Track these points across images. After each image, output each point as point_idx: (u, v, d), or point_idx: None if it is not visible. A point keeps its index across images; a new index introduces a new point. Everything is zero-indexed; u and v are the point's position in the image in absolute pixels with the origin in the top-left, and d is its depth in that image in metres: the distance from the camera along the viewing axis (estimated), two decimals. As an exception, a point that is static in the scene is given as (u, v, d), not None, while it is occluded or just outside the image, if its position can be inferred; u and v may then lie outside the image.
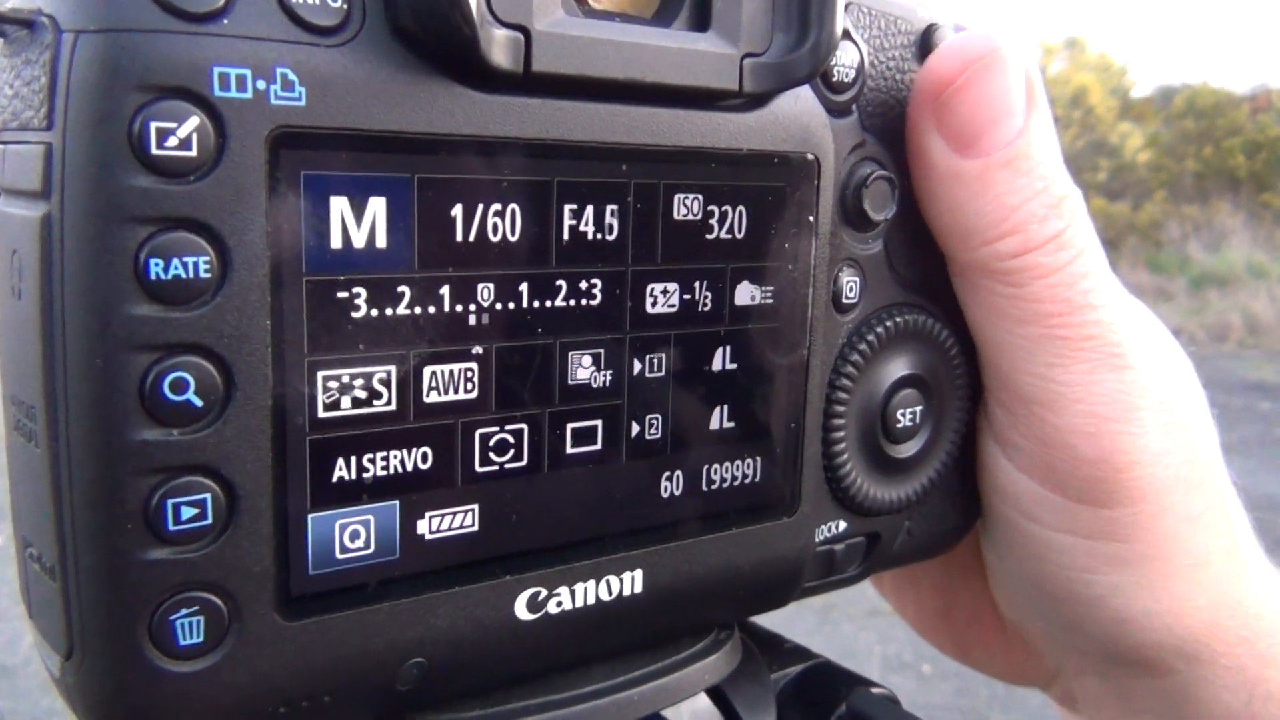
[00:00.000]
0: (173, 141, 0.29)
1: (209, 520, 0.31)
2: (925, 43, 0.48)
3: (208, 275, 0.30)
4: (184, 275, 0.30)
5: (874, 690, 0.47)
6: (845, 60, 0.44)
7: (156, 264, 0.29)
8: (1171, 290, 10.54)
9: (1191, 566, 0.51)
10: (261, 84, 0.30)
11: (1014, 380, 0.49)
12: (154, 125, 0.29)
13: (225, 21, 0.30)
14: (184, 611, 0.31)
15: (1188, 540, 0.50)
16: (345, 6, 0.32)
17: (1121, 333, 0.48)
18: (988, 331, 0.49)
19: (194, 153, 0.29)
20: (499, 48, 0.33)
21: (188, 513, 0.31)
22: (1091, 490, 0.49)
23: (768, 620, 0.53)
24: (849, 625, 3.85)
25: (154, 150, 0.29)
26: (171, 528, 0.31)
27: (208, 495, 0.31)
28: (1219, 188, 12.96)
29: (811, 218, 0.43)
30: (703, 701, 0.46)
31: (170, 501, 0.31)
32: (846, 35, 0.44)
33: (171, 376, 0.30)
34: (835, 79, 0.44)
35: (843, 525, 0.49)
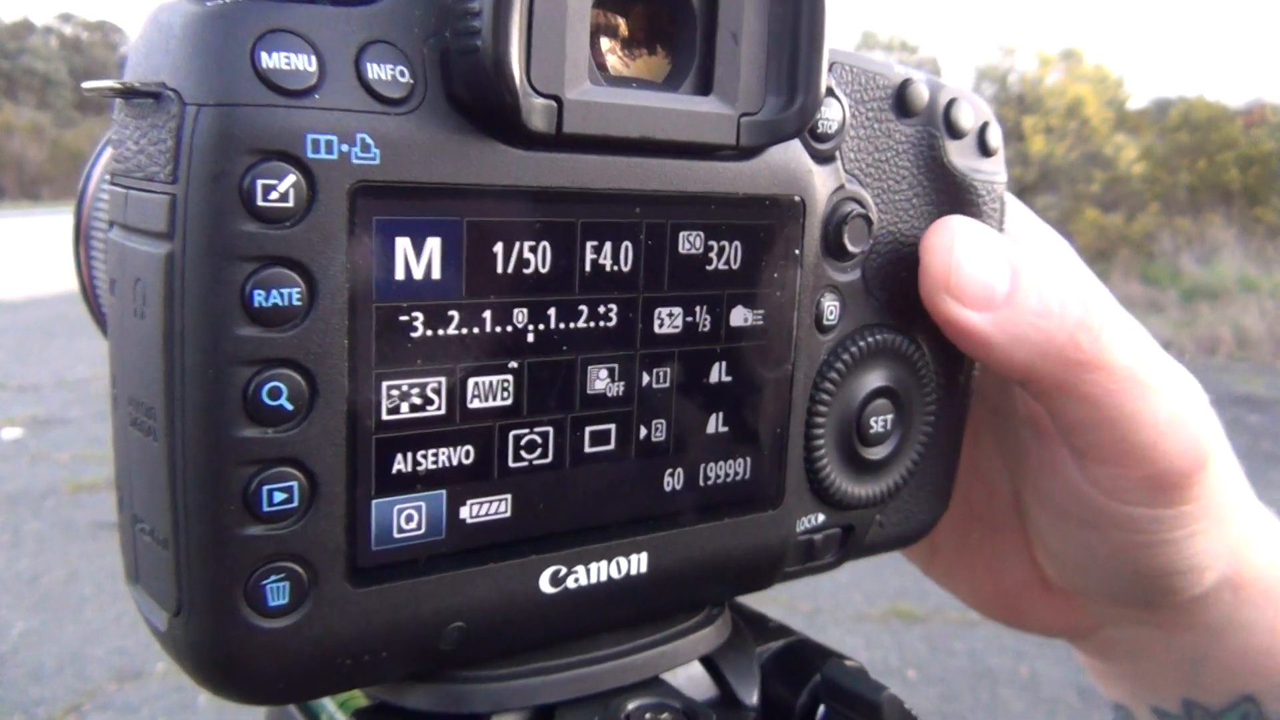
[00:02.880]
0: (274, 195, 0.35)
1: (295, 503, 0.38)
2: (901, 96, 0.55)
3: (299, 303, 0.37)
4: (280, 303, 0.36)
5: (846, 662, 0.54)
6: (829, 114, 0.50)
7: (259, 294, 0.36)
8: (1163, 302, 10.58)
9: (1242, 505, 0.58)
10: (345, 147, 0.37)
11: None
12: (260, 182, 0.35)
13: (316, 96, 0.36)
14: (273, 577, 0.38)
15: (1238, 482, 0.58)
16: (412, 81, 0.38)
17: (1148, 366, 0.54)
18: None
19: (291, 204, 0.36)
20: (537, 115, 0.39)
21: (279, 497, 0.37)
22: (1162, 480, 0.55)
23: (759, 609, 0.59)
24: (835, 630, 3.89)
25: (259, 202, 0.35)
26: (265, 509, 0.37)
27: (295, 483, 0.38)
28: (1212, 201, 12.98)
29: (797, 251, 0.49)
30: (696, 668, 0.53)
31: (265, 487, 0.37)
32: (830, 92, 0.50)
33: (269, 385, 0.36)
34: (820, 130, 0.50)
35: (821, 518, 0.55)
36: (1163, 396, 0.53)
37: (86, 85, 0.40)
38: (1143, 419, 0.53)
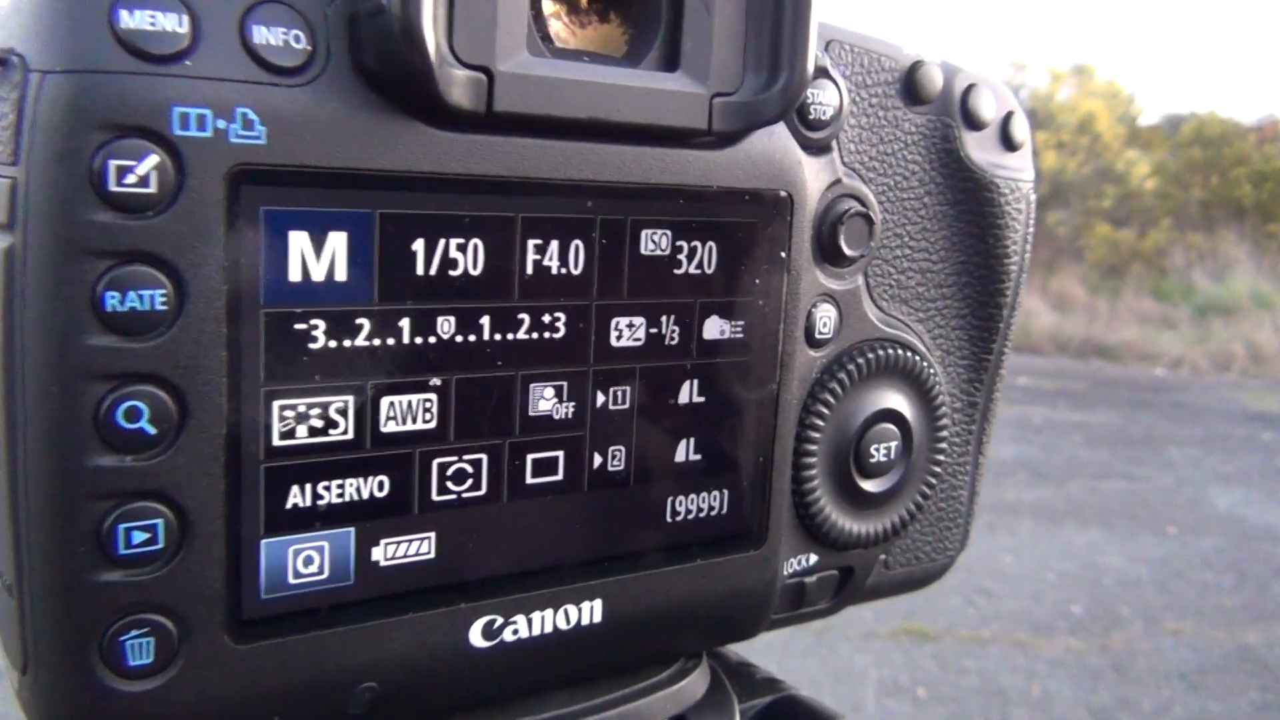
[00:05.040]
0: (131, 179, 0.30)
1: (160, 544, 0.32)
2: (910, 80, 0.49)
3: (164, 308, 0.31)
4: (140, 307, 0.30)
5: (838, 726, 0.48)
6: (822, 98, 0.45)
7: (113, 296, 0.30)
8: (1175, 318, 10.53)
9: None
10: (222, 123, 0.31)
11: None
12: (113, 163, 0.29)
13: (188, 63, 0.30)
14: (134, 633, 0.32)
15: None
16: (309, 48, 0.32)
17: None
18: None
19: (152, 189, 0.30)
20: (459, 88, 0.33)
21: (139, 537, 0.32)
22: None
23: (762, 641, 0.53)
24: (845, 648, 3.84)
25: (113, 187, 0.29)
26: (123, 551, 0.31)
27: (159, 520, 0.32)
28: (1224, 217, 12.94)
29: (784, 253, 0.43)
30: None
31: (122, 526, 0.31)
32: (825, 73, 0.45)
33: (126, 405, 0.31)
34: (812, 116, 0.45)
35: (813, 558, 0.49)
36: None
37: None
38: None
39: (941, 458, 0.52)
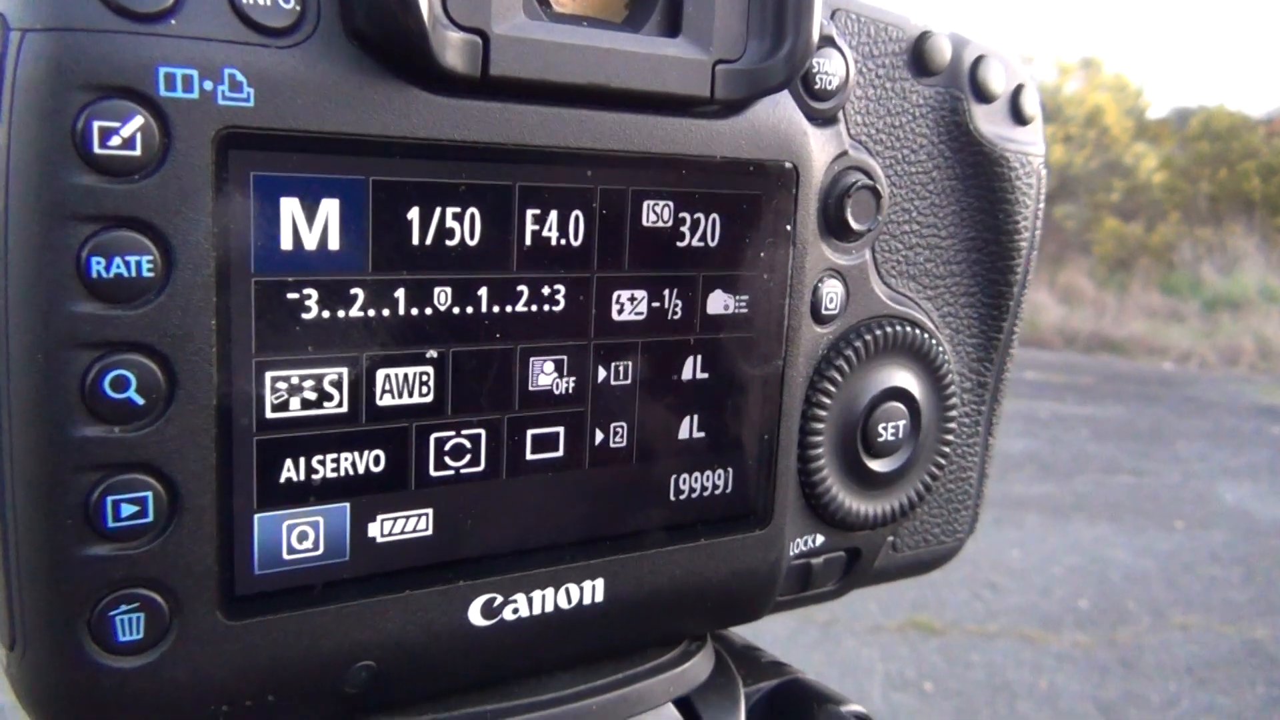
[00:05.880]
0: (116, 141, 0.29)
1: (150, 518, 0.31)
2: (918, 51, 0.48)
3: (151, 274, 0.30)
4: (126, 274, 0.29)
5: (844, 709, 0.47)
6: (828, 68, 0.44)
7: (98, 262, 0.29)
8: (1184, 312, 10.49)
9: None
10: (208, 84, 0.30)
11: None
12: (97, 124, 0.29)
13: (173, 22, 0.29)
14: (124, 608, 0.31)
15: None
16: (299, 8, 0.31)
17: None
18: None
19: (137, 152, 0.29)
20: (453, 51, 0.32)
21: (128, 510, 0.31)
22: None
23: (767, 634, 0.52)
24: (851, 641, 3.83)
25: (96, 149, 0.29)
26: (111, 524, 0.31)
27: (149, 493, 0.31)
28: (1233, 211, 12.88)
29: (789, 227, 0.42)
30: (670, 713, 0.46)
31: (110, 498, 0.30)
32: (831, 42, 0.44)
33: (112, 374, 0.30)
34: (817, 86, 0.44)
35: (820, 539, 0.48)
36: None
37: None
38: None
39: (950, 438, 0.51)
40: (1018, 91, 0.51)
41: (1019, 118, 0.51)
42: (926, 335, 0.49)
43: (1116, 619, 3.74)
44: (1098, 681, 3.37)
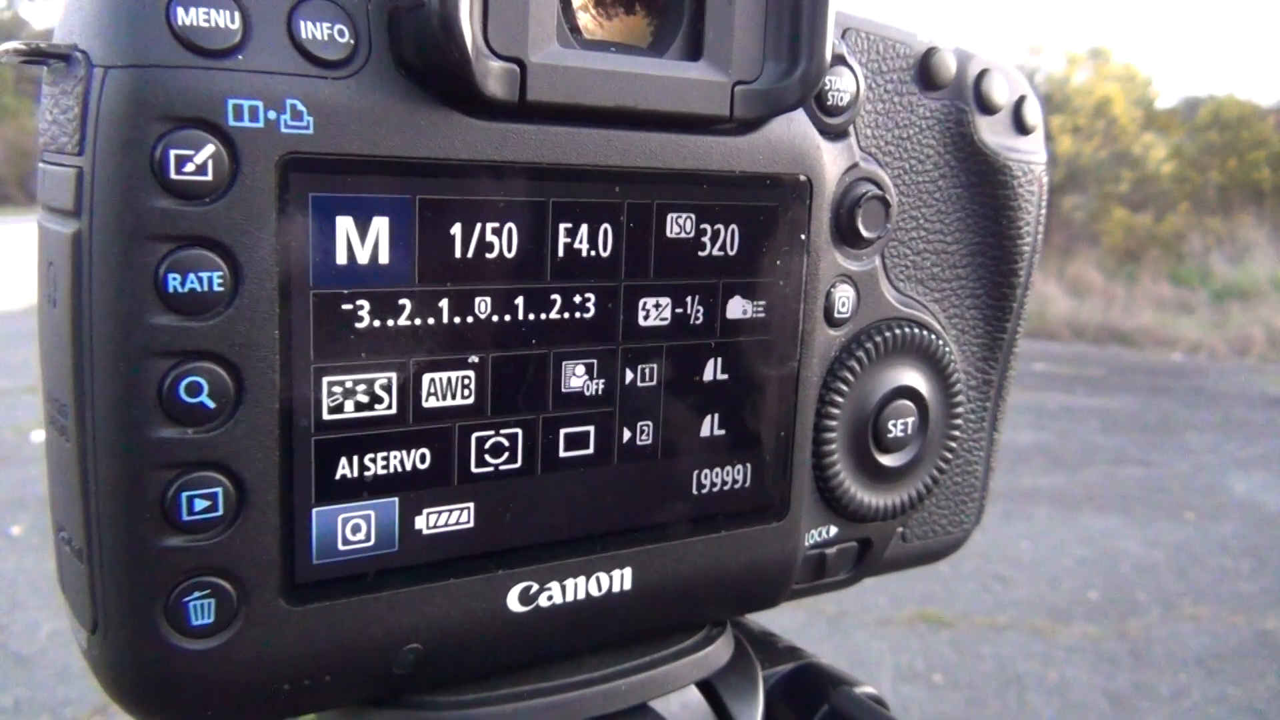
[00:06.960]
0: (190, 167, 0.32)
1: (220, 511, 0.34)
2: (925, 66, 0.50)
3: (221, 289, 0.33)
4: (199, 289, 0.32)
5: (857, 690, 0.49)
6: (840, 85, 0.46)
7: (174, 278, 0.32)
8: (1193, 303, 10.45)
9: None
10: (272, 114, 0.33)
11: None
12: (173, 153, 0.31)
13: (240, 57, 0.32)
14: (196, 594, 0.34)
15: None
16: (352, 42, 0.34)
17: None
18: None
19: (209, 177, 0.32)
20: (494, 79, 0.35)
21: (200, 504, 0.34)
22: None
23: (778, 626, 0.54)
24: (861, 633, 3.85)
25: (173, 175, 0.31)
26: (185, 518, 0.33)
27: (219, 489, 0.34)
28: (1243, 200, 12.81)
29: (803, 236, 0.45)
30: (692, 694, 0.48)
31: (185, 494, 0.33)
32: (842, 61, 0.46)
33: (187, 380, 0.33)
34: (830, 103, 0.46)
35: (833, 530, 0.51)
36: None
37: None
38: None
39: (957, 433, 0.54)
40: (1020, 103, 0.53)
41: (1021, 128, 0.53)
42: (934, 336, 0.52)
43: (1126, 610, 3.74)
44: (1108, 673, 3.38)
